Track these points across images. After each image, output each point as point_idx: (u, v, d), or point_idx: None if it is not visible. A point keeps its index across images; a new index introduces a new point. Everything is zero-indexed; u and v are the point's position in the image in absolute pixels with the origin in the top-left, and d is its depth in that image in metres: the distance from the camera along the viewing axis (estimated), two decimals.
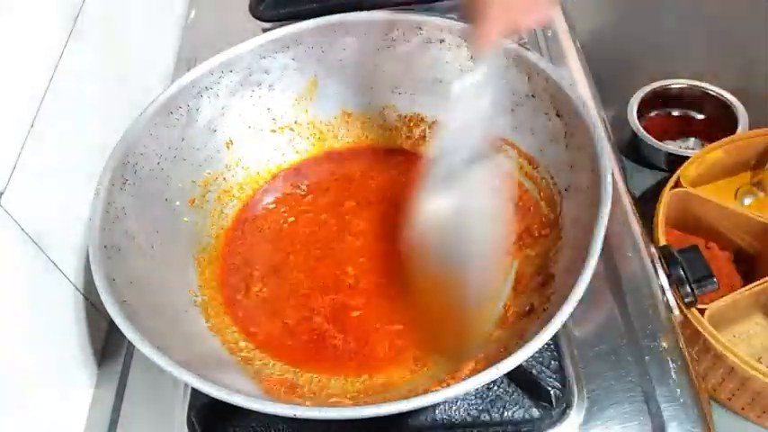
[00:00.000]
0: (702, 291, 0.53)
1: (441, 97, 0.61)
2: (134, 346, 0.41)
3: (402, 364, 0.49)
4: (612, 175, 0.45)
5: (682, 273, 0.53)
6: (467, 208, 0.46)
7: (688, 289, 0.53)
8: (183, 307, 0.51)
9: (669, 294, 0.53)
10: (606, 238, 0.42)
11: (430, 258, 0.47)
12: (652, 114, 1.32)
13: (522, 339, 0.42)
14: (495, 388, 0.48)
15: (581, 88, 0.69)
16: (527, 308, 0.47)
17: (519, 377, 0.48)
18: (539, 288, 0.48)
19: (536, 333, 0.38)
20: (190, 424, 0.50)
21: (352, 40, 0.60)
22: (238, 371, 0.47)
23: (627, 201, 0.60)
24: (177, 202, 0.56)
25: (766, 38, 1.46)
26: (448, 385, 0.38)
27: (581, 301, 0.39)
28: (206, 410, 0.49)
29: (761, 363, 0.88)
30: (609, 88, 1.34)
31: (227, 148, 0.60)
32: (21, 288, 0.47)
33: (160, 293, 0.50)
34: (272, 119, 0.62)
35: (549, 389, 0.47)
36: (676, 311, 0.52)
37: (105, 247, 0.47)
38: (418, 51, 0.60)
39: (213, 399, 0.39)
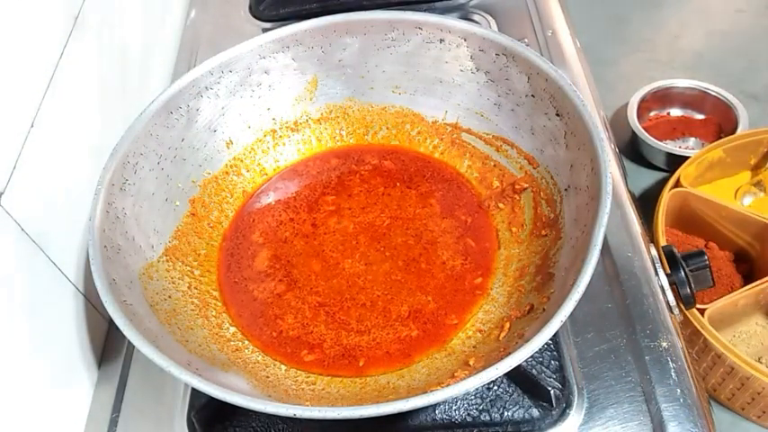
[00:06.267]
0: (699, 288, 0.53)
1: (441, 97, 0.61)
2: (134, 346, 0.41)
3: (403, 365, 0.49)
4: (612, 175, 0.45)
5: (683, 276, 0.53)
6: None
7: (687, 290, 0.53)
8: (183, 307, 0.51)
9: (669, 294, 0.53)
10: (606, 238, 0.42)
11: None
12: (652, 114, 1.32)
13: (521, 339, 0.42)
14: (495, 388, 0.48)
15: (581, 88, 0.69)
16: (527, 308, 0.47)
17: (519, 377, 0.48)
18: (538, 288, 0.48)
19: (536, 333, 0.38)
20: (190, 424, 0.50)
21: (352, 40, 0.60)
22: (238, 371, 0.47)
23: (627, 201, 0.60)
24: (177, 202, 0.56)
25: (766, 38, 1.46)
26: (448, 385, 0.38)
27: (581, 301, 0.39)
28: (206, 410, 0.49)
29: (761, 363, 0.88)
30: (609, 88, 1.35)
31: (228, 148, 0.60)
32: (21, 288, 0.46)
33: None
34: (271, 119, 0.62)
35: (549, 389, 0.47)
36: (676, 311, 0.52)
37: (105, 247, 0.47)
38: (418, 51, 0.60)
39: (213, 399, 0.39)
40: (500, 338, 0.46)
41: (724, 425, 0.95)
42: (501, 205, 0.57)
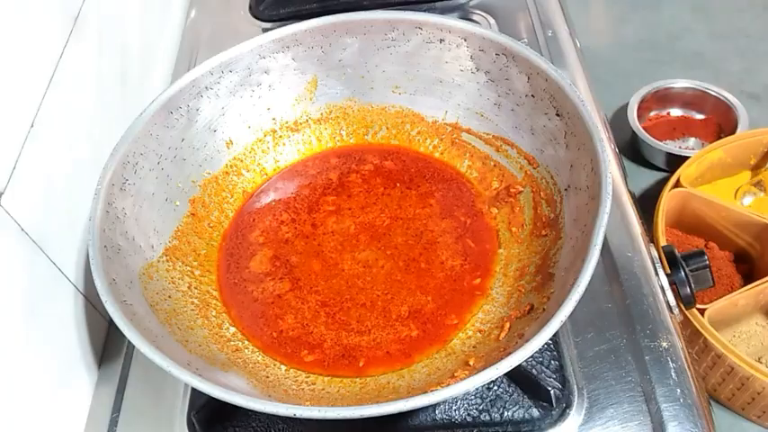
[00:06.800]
0: (698, 288, 0.53)
1: (440, 97, 0.61)
2: (134, 346, 0.41)
3: (403, 365, 0.49)
4: (612, 175, 0.45)
5: (683, 276, 0.53)
6: None
7: (687, 290, 0.53)
8: (183, 307, 0.51)
9: (669, 294, 0.53)
10: (606, 238, 0.42)
11: None
12: (652, 114, 1.32)
13: (521, 339, 0.42)
14: (495, 388, 0.48)
15: (581, 88, 0.69)
16: (527, 308, 0.47)
17: (519, 377, 0.48)
18: (538, 288, 0.48)
19: (536, 333, 0.38)
20: (190, 424, 0.50)
21: (352, 40, 0.60)
22: (238, 371, 0.47)
23: (627, 201, 0.60)
24: (177, 202, 0.56)
25: (766, 38, 1.46)
26: (448, 385, 0.38)
27: (581, 301, 0.39)
28: (206, 410, 0.49)
29: (761, 363, 0.88)
30: (609, 88, 1.35)
31: (228, 147, 0.60)
32: (21, 288, 0.47)
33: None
34: (271, 119, 0.62)
35: (549, 389, 0.47)
36: (676, 311, 0.52)
37: (105, 247, 0.47)
38: (418, 51, 0.60)
39: (213, 399, 0.39)
40: (500, 338, 0.46)
41: (724, 425, 0.95)
42: (494, 210, 0.57)
